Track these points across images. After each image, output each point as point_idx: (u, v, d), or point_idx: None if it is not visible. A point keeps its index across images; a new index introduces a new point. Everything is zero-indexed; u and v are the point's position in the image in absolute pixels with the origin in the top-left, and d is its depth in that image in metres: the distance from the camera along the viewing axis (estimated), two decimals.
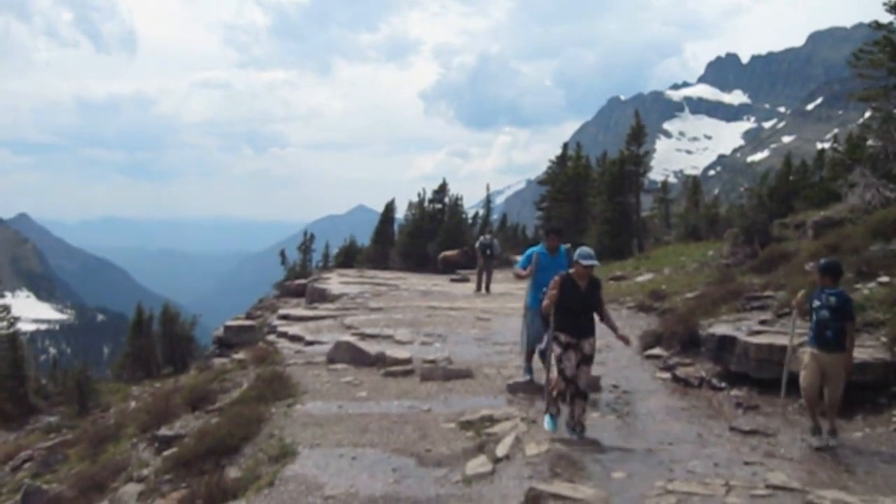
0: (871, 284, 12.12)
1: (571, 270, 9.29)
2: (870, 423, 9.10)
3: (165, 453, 11.26)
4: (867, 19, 24.75)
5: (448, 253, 36.16)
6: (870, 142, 24.83)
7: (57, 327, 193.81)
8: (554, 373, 9.31)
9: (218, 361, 20.36)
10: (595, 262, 9.19)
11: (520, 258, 11.95)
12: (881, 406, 8.97)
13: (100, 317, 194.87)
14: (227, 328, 25.23)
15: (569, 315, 9.10)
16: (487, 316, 18.94)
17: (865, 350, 9.77)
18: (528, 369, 11.74)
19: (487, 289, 25.46)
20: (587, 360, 9.17)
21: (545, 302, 9.31)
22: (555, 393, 9.21)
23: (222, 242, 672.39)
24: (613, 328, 9.46)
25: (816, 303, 8.81)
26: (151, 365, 28.71)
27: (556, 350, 9.18)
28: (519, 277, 11.74)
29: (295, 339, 17.34)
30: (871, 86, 23.47)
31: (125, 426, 15.69)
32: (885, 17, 22.50)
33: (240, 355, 17.95)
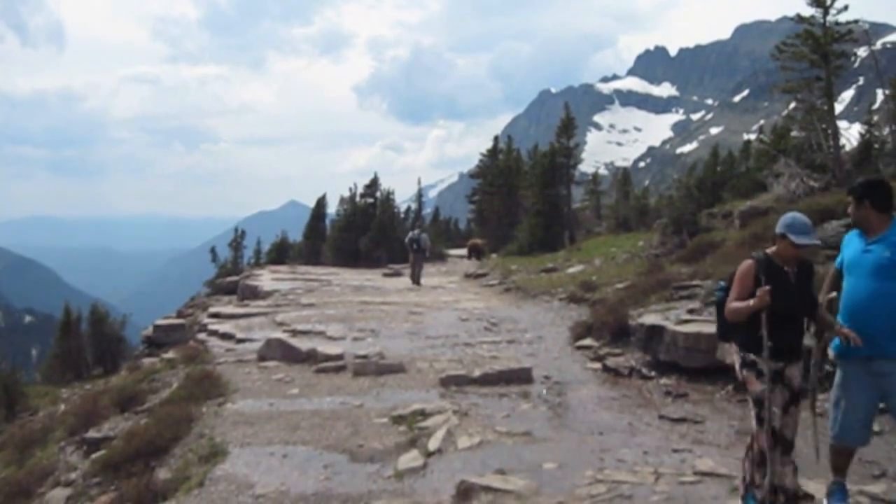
0: None
1: (770, 249, 5.85)
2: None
3: (94, 456, 11.04)
4: (791, 12, 25.39)
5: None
6: (794, 133, 25.46)
7: None
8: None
9: (147, 361, 20.01)
10: (815, 242, 5.71)
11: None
12: None
13: (27, 318, 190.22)
14: (156, 327, 24.85)
15: (772, 323, 5.64)
16: (420, 310, 18.97)
17: None
18: (842, 490, 5.99)
19: (418, 282, 25.69)
20: (796, 398, 5.83)
21: (744, 305, 5.68)
22: (756, 453, 5.87)
23: (152, 240, 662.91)
24: (830, 325, 5.86)
25: None
26: (81, 366, 28.12)
27: (755, 385, 5.77)
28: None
29: (226, 336, 17.15)
30: (795, 78, 24.07)
31: (53, 430, 15.36)
32: (808, 11, 23.07)
33: (170, 354, 17.69)
